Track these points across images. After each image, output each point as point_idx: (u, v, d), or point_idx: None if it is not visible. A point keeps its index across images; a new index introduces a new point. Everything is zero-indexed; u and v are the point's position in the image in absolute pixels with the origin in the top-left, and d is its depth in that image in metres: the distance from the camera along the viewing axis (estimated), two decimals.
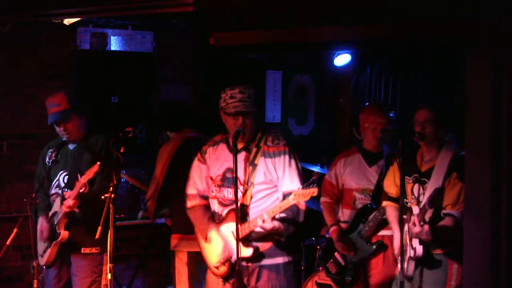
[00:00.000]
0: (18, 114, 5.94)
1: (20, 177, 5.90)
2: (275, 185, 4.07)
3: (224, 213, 4.10)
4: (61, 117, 4.70)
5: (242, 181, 4.03)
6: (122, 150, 4.23)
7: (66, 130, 4.74)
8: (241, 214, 3.96)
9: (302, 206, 4.03)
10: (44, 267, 4.81)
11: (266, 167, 4.05)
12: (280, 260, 4.08)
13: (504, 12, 3.10)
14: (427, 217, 4.16)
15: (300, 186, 3.88)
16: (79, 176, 4.63)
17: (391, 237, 4.85)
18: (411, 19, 3.37)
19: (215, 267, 4.09)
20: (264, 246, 4.04)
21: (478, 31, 3.21)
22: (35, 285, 4.62)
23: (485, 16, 3.16)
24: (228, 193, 4.10)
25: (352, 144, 5.58)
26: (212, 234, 4.10)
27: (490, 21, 3.15)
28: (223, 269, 4.08)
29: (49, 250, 4.70)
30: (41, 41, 6.00)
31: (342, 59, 7.18)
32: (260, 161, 4.06)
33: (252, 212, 4.02)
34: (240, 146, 4.07)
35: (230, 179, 4.07)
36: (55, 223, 4.67)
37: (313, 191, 3.80)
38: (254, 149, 4.09)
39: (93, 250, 4.70)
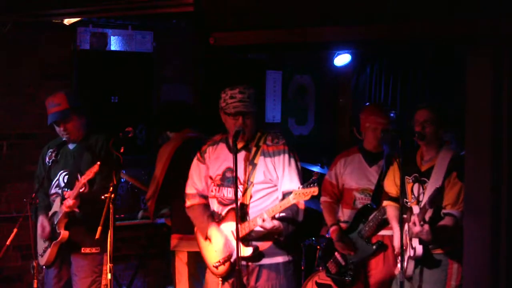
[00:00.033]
0: (18, 114, 5.94)
1: (20, 177, 5.90)
2: (275, 185, 4.08)
3: (223, 213, 4.10)
4: (61, 117, 4.70)
5: (241, 181, 4.03)
6: (122, 150, 4.23)
7: (66, 130, 4.74)
8: (240, 213, 3.96)
9: (302, 205, 4.04)
10: (44, 267, 4.81)
11: (265, 166, 4.06)
12: (279, 259, 4.08)
13: (504, 12, 3.10)
14: (427, 216, 4.16)
15: (301, 186, 3.89)
16: (79, 176, 4.63)
17: (391, 237, 4.85)
18: (411, 19, 3.36)
19: (214, 266, 4.09)
20: (263, 245, 4.04)
21: (478, 31, 3.21)
22: (35, 285, 4.62)
23: (485, 16, 3.16)
24: (228, 193, 4.10)
25: (352, 144, 5.58)
26: (212, 231, 4.10)
27: (490, 21, 3.15)
28: (223, 268, 4.08)
29: (49, 250, 4.70)
30: (41, 41, 6.00)
31: (342, 59, 7.17)
32: (260, 160, 4.06)
33: (252, 212, 4.02)
34: (239, 145, 4.07)
35: (229, 179, 4.08)
36: (55, 223, 4.67)
37: (314, 190, 3.80)
38: (254, 149, 4.10)
39: (93, 250, 4.70)
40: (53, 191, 4.80)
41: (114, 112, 6.27)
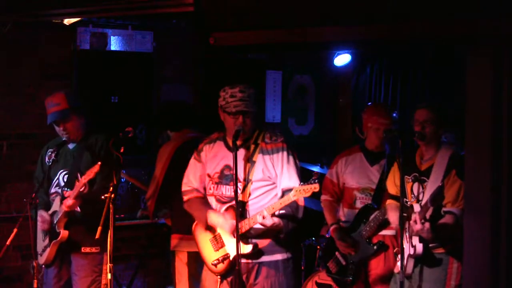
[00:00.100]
0: (18, 114, 5.94)
1: (20, 177, 5.90)
2: (274, 182, 4.08)
3: (222, 210, 4.10)
4: (60, 116, 4.70)
5: (240, 178, 4.04)
6: (122, 150, 4.24)
7: (65, 129, 4.74)
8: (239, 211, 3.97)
9: (302, 202, 4.05)
10: (43, 266, 4.81)
11: (264, 164, 4.06)
12: (279, 256, 4.09)
13: (504, 12, 3.10)
14: (428, 215, 4.17)
15: (301, 183, 3.89)
16: (78, 175, 4.63)
17: (392, 237, 4.86)
18: (411, 19, 3.36)
19: (213, 264, 4.10)
20: (263, 242, 4.05)
21: (478, 31, 3.21)
22: (35, 285, 4.62)
23: (485, 16, 3.16)
24: (226, 190, 4.11)
25: (354, 143, 5.57)
26: (211, 215, 4.10)
27: (490, 21, 3.15)
28: (221, 266, 4.08)
29: (48, 249, 4.70)
30: (41, 41, 6.00)
31: (342, 59, 7.17)
32: (258, 158, 4.07)
33: (251, 209, 4.03)
34: (238, 143, 4.07)
35: (228, 176, 4.09)
36: (55, 222, 4.67)
37: (315, 186, 3.80)
38: (252, 146, 4.11)
39: (93, 250, 4.70)
40: (53, 190, 4.80)
41: (114, 112, 6.27)
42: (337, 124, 7.69)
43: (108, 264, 4.07)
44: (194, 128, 5.33)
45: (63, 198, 4.65)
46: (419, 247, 4.17)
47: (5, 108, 5.88)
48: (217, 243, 4.14)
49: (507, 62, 3.33)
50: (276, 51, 6.80)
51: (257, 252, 4.03)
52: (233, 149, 3.92)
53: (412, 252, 4.19)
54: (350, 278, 4.95)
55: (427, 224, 4.08)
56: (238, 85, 4.06)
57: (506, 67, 3.33)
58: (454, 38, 3.49)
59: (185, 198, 4.33)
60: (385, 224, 4.80)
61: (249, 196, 4.04)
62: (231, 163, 3.98)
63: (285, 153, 4.08)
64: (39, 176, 4.90)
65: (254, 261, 4.05)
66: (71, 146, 4.85)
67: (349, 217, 5.02)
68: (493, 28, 3.16)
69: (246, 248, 3.99)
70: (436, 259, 4.25)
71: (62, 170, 4.79)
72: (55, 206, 4.72)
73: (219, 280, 4.13)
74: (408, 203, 4.32)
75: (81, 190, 4.50)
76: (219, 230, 4.13)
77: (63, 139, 4.84)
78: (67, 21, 5.89)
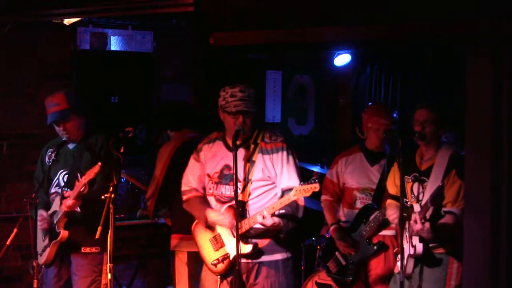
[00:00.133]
0: (18, 114, 5.94)
1: (20, 177, 5.90)
2: (273, 182, 4.09)
3: (222, 210, 4.10)
4: (60, 116, 4.70)
5: (240, 178, 4.04)
6: (122, 150, 4.24)
7: (65, 129, 4.74)
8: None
9: (302, 202, 4.05)
10: (43, 266, 4.81)
11: (264, 163, 4.06)
12: (279, 256, 4.09)
13: (504, 12, 3.10)
14: (428, 215, 4.17)
15: (301, 183, 3.89)
16: (78, 175, 4.63)
17: (392, 237, 4.86)
18: (411, 19, 3.36)
19: (212, 264, 4.10)
20: (263, 242, 4.05)
21: (478, 31, 3.21)
22: (35, 285, 4.62)
23: (485, 16, 3.16)
24: (226, 190, 4.11)
25: (353, 143, 5.57)
26: (210, 212, 4.10)
27: (490, 21, 3.15)
28: (221, 266, 4.08)
29: (48, 249, 4.70)
30: (41, 41, 6.00)
31: (342, 59, 7.17)
32: (258, 157, 4.07)
33: (251, 209, 4.03)
34: (237, 143, 4.06)
35: (227, 176, 4.09)
36: (55, 222, 4.67)
37: (315, 186, 3.80)
38: (252, 146, 4.11)
39: (93, 250, 4.70)
40: (53, 190, 4.80)
41: (114, 112, 6.27)
42: (337, 124, 7.69)
43: (108, 264, 4.07)
44: (194, 128, 5.33)
45: (63, 198, 4.65)
46: (419, 247, 4.17)
47: (5, 108, 5.89)
48: (217, 243, 4.14)
49: (507, 62, 3.33)
50: (276, 51, 6.80)
51: (257, 252, 4.04)
52: (233, 149, 3.92)
53: (412, 252, 4.19)
54: (350, 278, 4.95)
55: (427, 224, 4.08)
56: (238, 85, 4.06)
57: (506, 67, 3.33)
58: (454, 38, 3.49)
59: (184, 197, 4.33)
60: (385, 224, 4.80)
61: (249, 196, 4.04)
62: (230, 163, 3.98)
63: (284, 152, 4.08)
64: (39, 176, 4.90)
65: (254, 261, 4.05)
66: (71, 146, 4.85)
67: (349, 217, 5.03)
68: (493, 28, 3.16)
69: (246, 248, 3.99)
70: (436, 259, 4.25)
71: (62, 170, 4.79)
72: (55, 206, 4.72)
73: (219, 280, 4.13)
74: (408, 203, 4.32)
75: (81, 190, 4.50)
76: (218, 230, 4.13)
77: (63, 139, 4.84)
78: (67, 21, 5.89)
